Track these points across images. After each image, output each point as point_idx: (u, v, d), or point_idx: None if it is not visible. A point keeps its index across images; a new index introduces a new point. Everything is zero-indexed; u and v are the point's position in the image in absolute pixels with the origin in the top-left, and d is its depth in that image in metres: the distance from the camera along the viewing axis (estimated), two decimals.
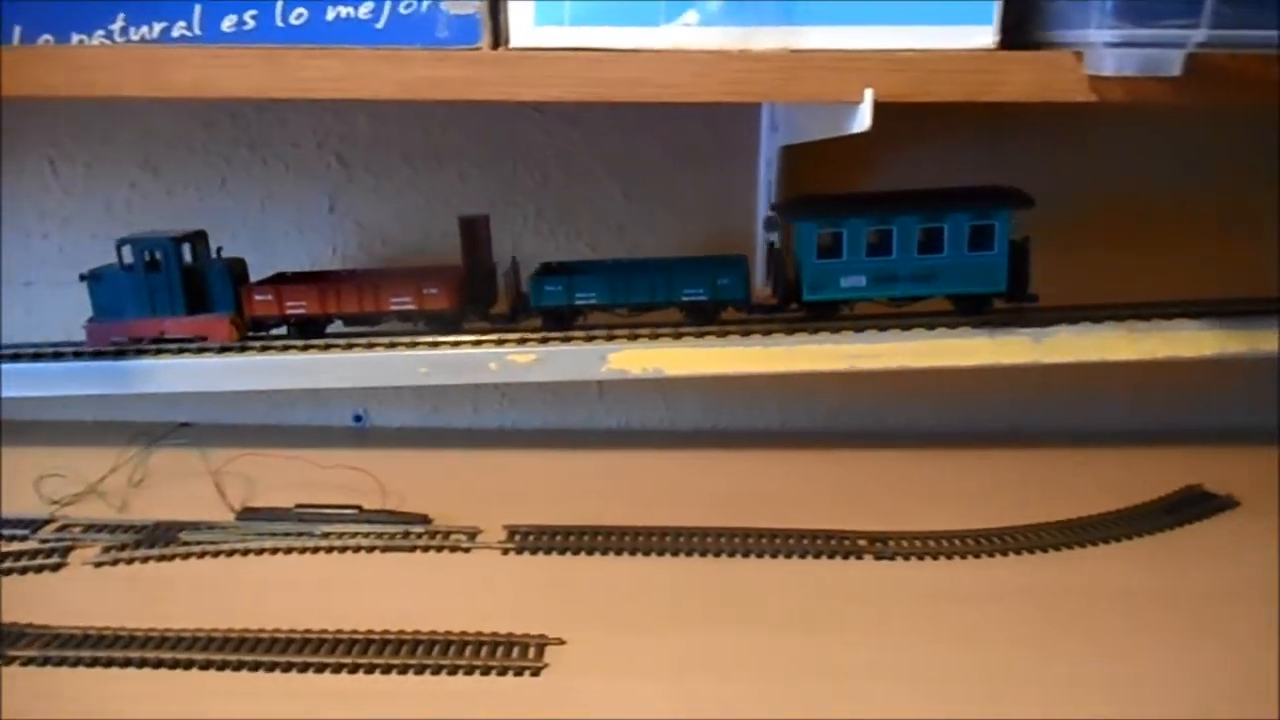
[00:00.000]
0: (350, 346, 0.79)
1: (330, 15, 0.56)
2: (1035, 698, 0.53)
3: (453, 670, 0.57)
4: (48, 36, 0.57)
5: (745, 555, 0.70)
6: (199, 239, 0.82)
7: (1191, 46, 0.48)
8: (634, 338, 0.78)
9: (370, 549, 0.72)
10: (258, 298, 0.80)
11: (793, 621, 0.62)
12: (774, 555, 0.70)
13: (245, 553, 0.71)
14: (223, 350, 0.79)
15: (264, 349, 0.79)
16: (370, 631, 0.60)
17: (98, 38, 0.57)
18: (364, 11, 0.56)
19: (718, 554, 0.70)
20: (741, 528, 0.72)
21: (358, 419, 0.97)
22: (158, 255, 0.79)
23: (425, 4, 0.55)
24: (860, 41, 0.54)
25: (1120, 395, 0.92)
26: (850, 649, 0.58)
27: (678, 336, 0.77)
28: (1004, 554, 0.70)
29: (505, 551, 0.71)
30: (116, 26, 0.56)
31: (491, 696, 0.55)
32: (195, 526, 0.73)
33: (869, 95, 0.53)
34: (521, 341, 0.78)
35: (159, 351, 0.80)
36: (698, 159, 0.88)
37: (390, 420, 0.97)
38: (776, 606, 0.63)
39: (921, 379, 0.79)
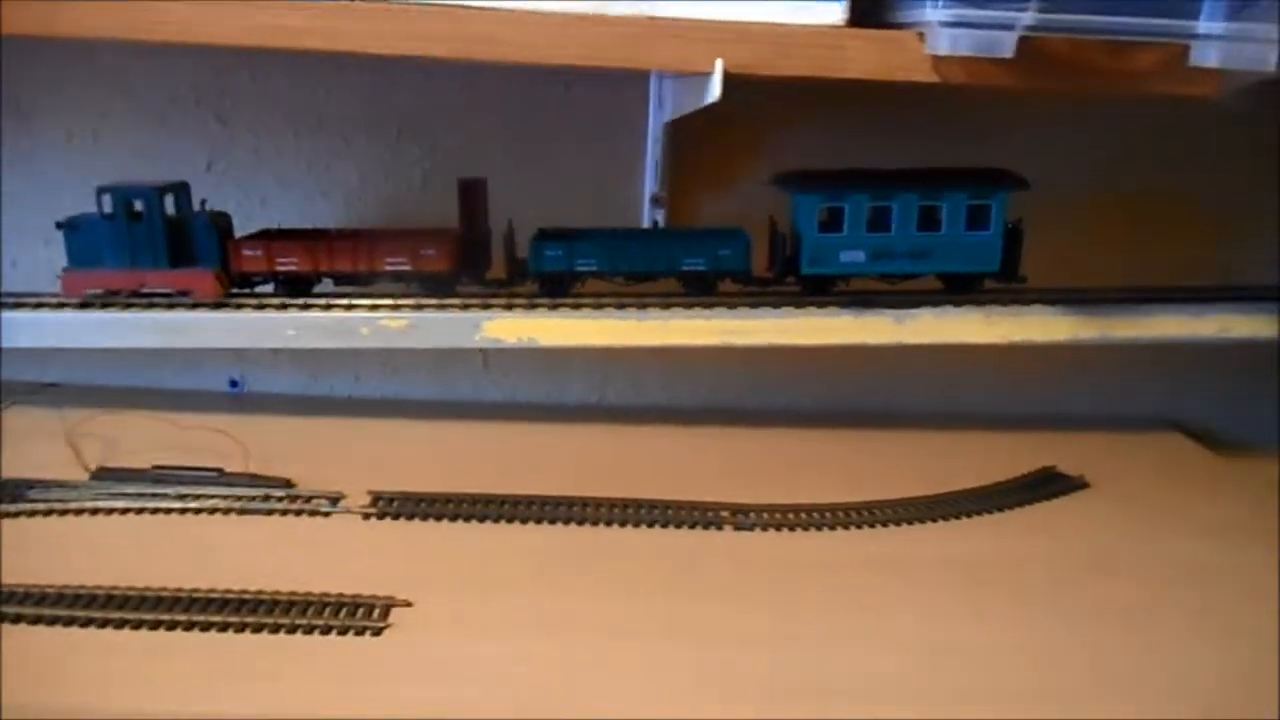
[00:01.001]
0: (219, 306, 0.77)
1: None
2: (862, 660, 0.55)
3: (292, 629, 0.56)
4: None
5: (607, 524, 0.71)
6: (182, 190, 0.78)
7: (1021, 29, 0.49)
8: (510, 307, 0.77)
9: (227, 511, 0.70)
10: (246, 253, 0.77)
11: (639, 587, 0.62)
12: (635, 525, 0.71)
13: (95, 512, 0.69)
14: (83, 305, 0.77)
15: (126, 307, 0.77)
16: (212, 590, 0.59)
17: None
18: None
19: (580, 522, 0.71)
20: (605, 498, 0.73)
21: (234, 384, 0.95)
22: (139, 205, 0.76)
23: None
24: (715, 13, 0.54)
25: (992, 379, 0.95)
26: (688, 612, 0.59)
27: (553, 307, 0.77)
28: (857, 526, 0.71)
29: (366, 516, 0.71)
30: None
31: (331, 655, 0.54)
32: (45, 485, 0.71)
33: (719, 65, 0.54)
34: (395, 307, 0.77)
35: (17, 305, 0.77)
36: (587, 134, 0.88)
37: (270, 387, 0.95)
38: (626, 572, 0.64)
39: (801, 358, 0.81)
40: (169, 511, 0.70)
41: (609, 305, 0.77)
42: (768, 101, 0.83)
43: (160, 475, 0.73)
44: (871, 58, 0.54)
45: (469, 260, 0.79)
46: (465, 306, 0.77)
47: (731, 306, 0.77)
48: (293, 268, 0.78)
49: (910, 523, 0.73)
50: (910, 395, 0.95)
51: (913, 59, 0.53)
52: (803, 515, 0.72)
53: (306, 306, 0.77)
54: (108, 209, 0.76)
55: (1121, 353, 0.85)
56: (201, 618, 0.56)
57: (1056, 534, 0.71)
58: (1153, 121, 0.84)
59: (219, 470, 0.74)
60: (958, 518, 0.74)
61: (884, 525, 0.72)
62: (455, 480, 0.75)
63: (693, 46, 0.54)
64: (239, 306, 0.78)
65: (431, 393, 0.95)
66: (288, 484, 0.74)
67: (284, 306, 0.77)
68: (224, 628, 0.56)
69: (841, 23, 0.55)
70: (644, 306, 0.77)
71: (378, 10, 0.55)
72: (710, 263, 0.78)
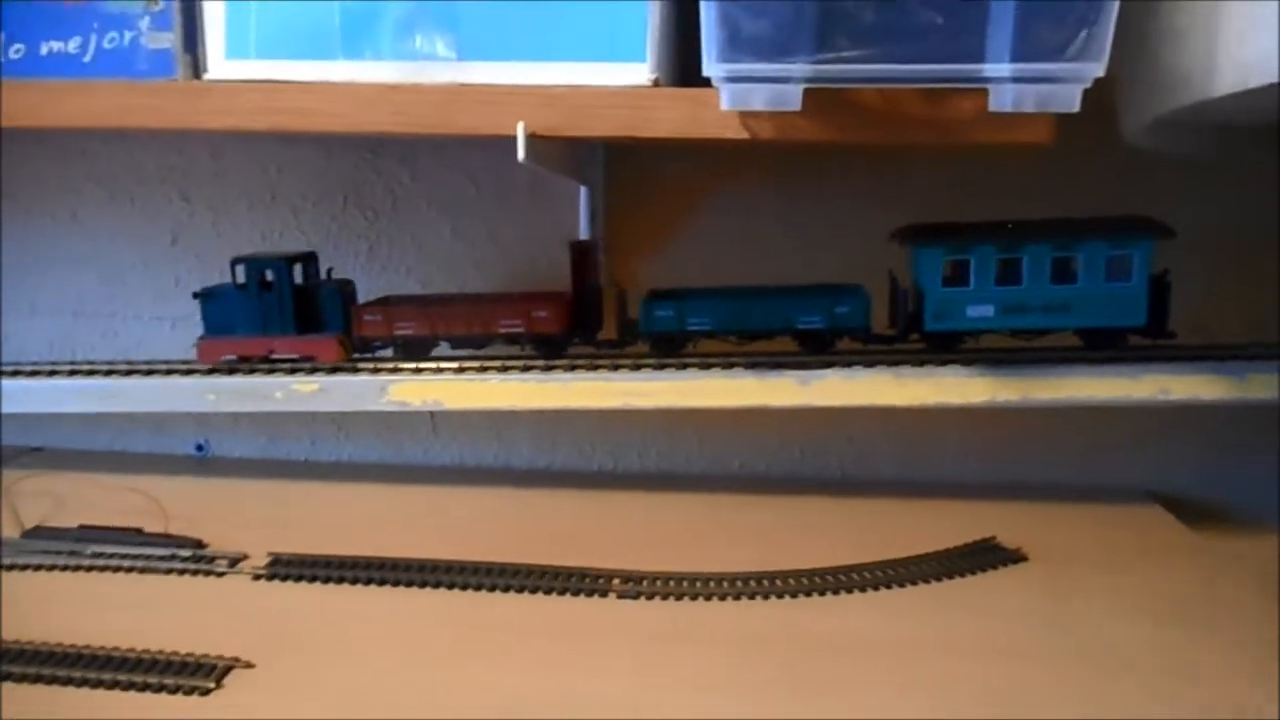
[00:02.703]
0: (150, 373, 0.81)
1: (44, 50, 0.59)
2: None
3: (126, 686, 0.57)
4: None
5: (491, 590, 0.70)
6: (309, 260, 0.83)
7: (800, 81, 0.47)
8: (418, 371, 0.78)
9: (130, 570, 0.73)
10: (367, 318, 0.81)
11: (490, 654, 0.61)
12: (519, 591, 0.69)
13: (16, 567, 0.73)
14: (14, 373, 0.82)
15: (71, 373, 0.82)
16: (60, 644, 0.60)
17: None
18: (73, 46, 0.59)
19: (463, 587, 0.70)
20: (497, 563, 0.72)
21: (200, 448, 0.99)
22: (270, 275, 0.80)
23: (128, 37, 0.58)
24: (525, 77, 0.54)
25: (968, 446, 0.90)
26: (522, 682, 0.57)
27: (459, 370, 0.78)
28: (755, 597, 0.68)
29: (257, 578, 0.72)
30: None
31: (153, 714, 0.55)
32: None
33: (521, 128, 0.54)
34: (310, 372, 0.79)
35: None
36: (521, 196, 0.90)
37: (232, 450, 0.99)
38: (484, 639, 0.63)
39: (754, 421, 0.79)
40: (81, 569, 0.73)
41: (514, 369, 0.77)
42: (696, 165, 0.83)
43: (83, 535, 0.77)
44: (679, 116, 0.53)
45: (581, 321, 0.81)
46: (375, 371, 0.78)
47: (634, 369, 0.76)
48: (410, 332, 0.80)
49: (810, 594, 0.69)
50: (877, 461, 0.91)
51: (720, 116, 0.51)
52: (693, 584, 0.69)
53: (231, 373, 0.80)
54: (241, 279, 0.80)
55: (1109, 419, 0.80)
56: (35, 670, 0.58)
57: (958, 609, 0.66)
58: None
59: (138, 530, 0.77)
60: (864, 590, 0.69)
61: (778, 597, 0.68)
62: (368, 543, 0.75)
63: (499, 111, 0.54)
64: (167, 374, 0.81)
65: (383, 456, 0.97)
66: (199, 544, 0.76)
67: (207, 373, 0.80)
68: (56, 681, 0.57)
69: (648, 83, 0.54)
70: (547, 370, 0.77)
71: (196, 89, 0.57)
72: (827, 320, 0.76)
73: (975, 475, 0.89)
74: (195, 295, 0.81)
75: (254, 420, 0.96)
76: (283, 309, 0.79)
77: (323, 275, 0.82)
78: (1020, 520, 0.80)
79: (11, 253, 0.95)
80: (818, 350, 0.76)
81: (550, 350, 0.79)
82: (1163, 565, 0.73)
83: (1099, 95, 0.50)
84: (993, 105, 0.48)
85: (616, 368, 0.76)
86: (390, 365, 0.79)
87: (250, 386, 0.79)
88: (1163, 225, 0.70)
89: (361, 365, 0.79)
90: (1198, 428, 0.86)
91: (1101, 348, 0.74)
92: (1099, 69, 0.47)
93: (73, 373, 0.82)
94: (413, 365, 0.79)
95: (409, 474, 0.94)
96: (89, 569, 0.73)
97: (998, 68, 0.47)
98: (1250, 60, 0.50)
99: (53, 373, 0.82)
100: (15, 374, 0.83)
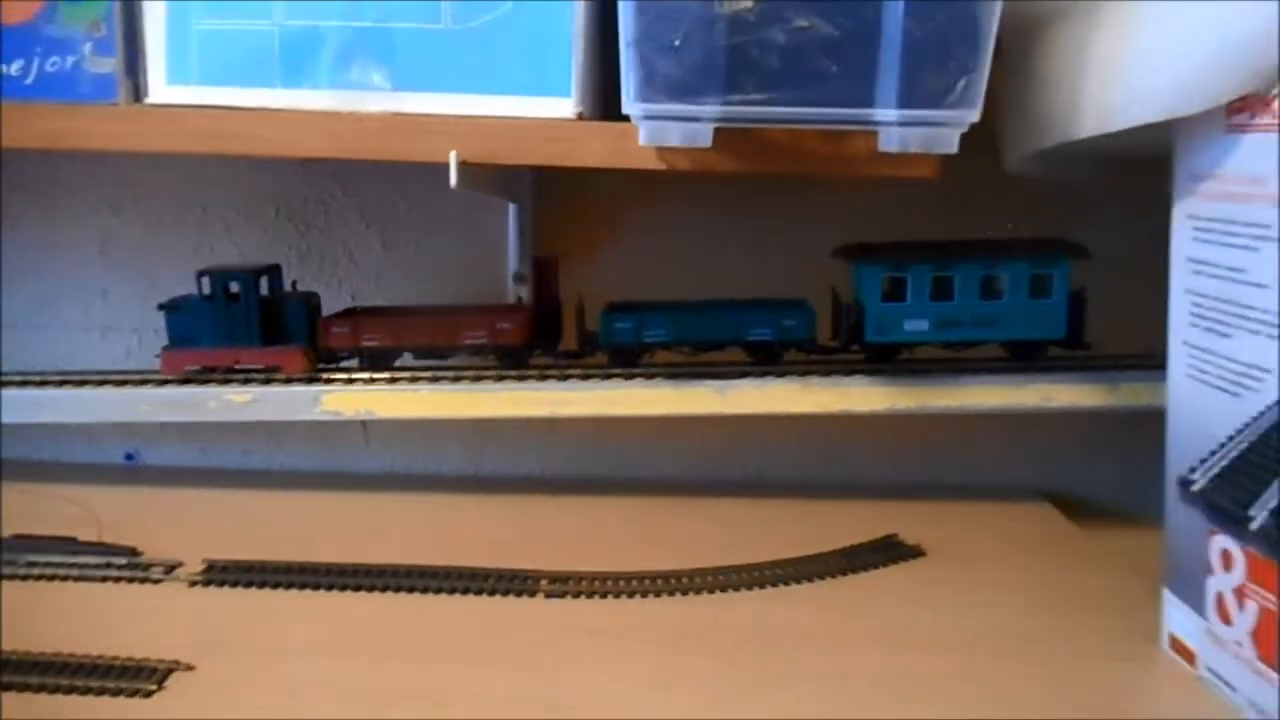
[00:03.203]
0: (82, 384, 0.82)
1: None
2: None
3: (68, 690, 0.59)
4: None
5: (423, 592, 0.73)
6: (274, 272, 0.84)
7: (711, 121, 0.52)
8: (350, 381, 0.81)
9: (65, 578, 0.74)
10: (335, 330, 0.82)
11: (423, 653, 0.64)
12: (450, 593, 0.73)
13: None
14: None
15: (223, 383, 0.82)
16: (14, 653, 0.62)
17: None
18: (15, 69, 0.60)
19: (397, 590, 0.73)
20: (427, 566, 0.75)
21: (129, 457, 0.99)
22: (235, 287, 0.81)
23: (69, 61, 0.60)
24: (458, 108, 0.58)
25: (876, 449, 0.96)
26: (456, 676, 0.61)
27: (391, 381, 0.81)
28: (674, 594, 0.72)
29: (193, 584, 0.74)
30: None
31: (97, 715, 0.57)
32: None
33: (453, 157, 0.57)
34: (243, 383, 0.81)
35: None
36: (451, 211, 0.93)
37: (162, 459, 1.00)
38: (417, 639, 0.66)
39: (673, 428, 0.83)
40: (16, 578, 0.74)
41: (445, 380, 0.81)
42: (623, 185, 0.87)
43: (15, 545, 0.77)
44: (603, 148, 0.57)
45: (542, 333, 0.83)
46: (308, 381, 0.81)
47: (561, 379, 0.80)
48: (376, 343, 0.82)
49: (724, 590, 0.73)
50: (786, 464, 0.96)
51: (640, 149, 0.56)
52: (616, 584, 0.73)
53: (164, 383, 0.82)
54: (206, 290, 0.81)
55: (1006, 425, 0.86)
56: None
57: (856, 600, 0.72)
58: None
59: (73, 539, 0.78)
60: (772, 585, 0.74)
61: (694, 593, 0.73)
62: (300, 549, 0.78)
63: (434, 140, 0.58)
64: (100, 384, 0.82)
65: (315, 464, 0.99)
66: (133, 552, 0.77)
67: (141, 384, 0.82)
68: (17, 688, 0.59)
69: (573, 117, 0.58)
70: (476, 380, 0.80)
71: (138, 113, 0.60)
72: (776, 332, 0.80)
73: (880, 478, 0.95)
74: (160, 307, 0.82)
75: (184, 430, 0.98)
76: (249, 321, 0.80)
77: (287, 288, 0.84)
78: (920, 519, 0.85)
79: None
80: (767, 361, 0.81)
81: (512, 361, 0.82)
82: (1049, 559, 0.80)
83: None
84: (882, 146, 0.53)
85: (543, 379, 0.80)
86: (324, 376, 0.81)
87: (184, 397, 0.81)
88: (1079, 246, 0.77)
89: (294, 377, 0.82)
90: (1086, 433, 0.93)
91: (1025, 358, 0.80)
92: (975, 115, 0.53)
93: (3, 384, 0.83)
94: (345, 376, 0.81)
95: (341, 481, 0.96)
96: (24, 578, 0.74)
97: (886, 113, 0.52)
98: (1112, 105, 0.56)
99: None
100: None
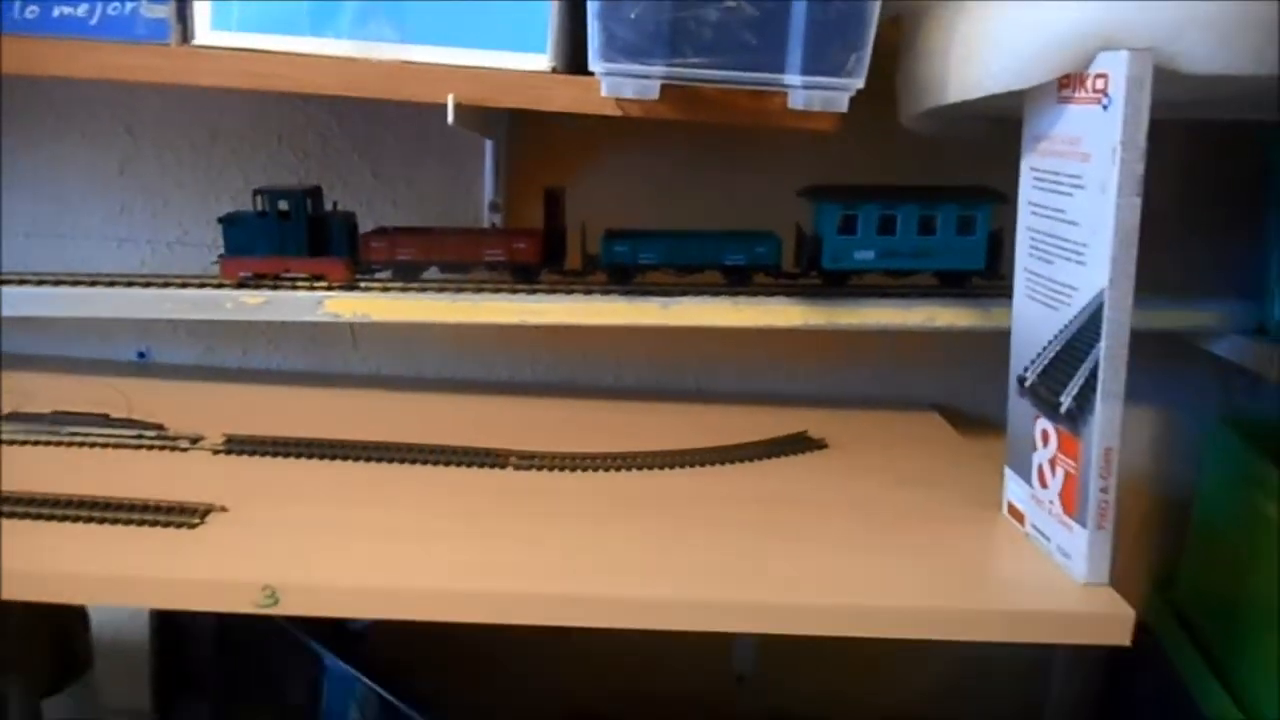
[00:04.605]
0: (113, 284, 0.95)
1: (56, 13, 0.73)
2: (626, 572, 0.70)
3: (128, 523, 0.73)
4: None
5: (411, 463, 0.87)
6: (317, 193, 0.94)
7: (657, 79, 0.66)
8: (350, 288, 0.94)
9: (105, 445, 0.87)
10: (374, 244, 0.93)
11: (414, 504, 0.79)
12: (434, 464, 0.87)
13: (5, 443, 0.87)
14: (9, 282, 0.94)
15: (39, 283, 0.95)
16: (70, 495, 0.75)
17: None
18: (81, 11, 0.72)
19: (390, 460, 0.87)
20: (414, 444, 0.90)
21: (141, 355, 1.12)
22: (284, 205, 0.91)
23: (128, 7, 0.72)
24: (453, 59, 0.72)
25: (780, 365, 1.12)
26: (456, 520, 0.76)
27: (384, 290, 0.95)
28: (618, 470, 0.88)
29: (216, 453, 0.88)
30: None
31: (154, 541, 0.71)
32: None
33: (451, 98, 0.71)
34: (256, 287, 0.94)
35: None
36: (433, 144, 1.06)
37: (170, 358, 1.13)
38: (409, 495, 0.81)
39: (627, 341, 0.97)
40: (60, 444, 0.87)
41: (431, 289, 0.94)
42: (581, 130, 1.00)
43: (58, 418, 0.90)
44: (570, 96, 0.71)
45: (551, 253, 0.95)
46: (311, 288, 0.94)
47: (549, 292, 0.94)
48: (409, 257, 0.94)
49: (662, 468, 0.89)
50: (721, 377, 1.12)
51: (597, 98, 0.70)
52: (575, 460, 0.88)
53: (184, 286, 0.95)
54: (261, 207, 0.92)
55: (907, 346, 1.03)
56: (63, 512, 0.73)
57: (769, 476, 0.88)
58: None
59: (105, 415, 0.91)
60: (703, 465, 0.90)
61: (640, 469, 0.88)
62: (304, 429, 0.91)
63: (433, 84, 0.71)
64: (131, 285, 0.95)
65: (308, 365, 1.13)
66: (160, 428, 0.90)
67: (165, 285, 0.95)
68: (79, 520, 0.73)
69: (548, 70, 0.72)
70: (459, 290, 0.94)
71: (186, 53, 0.72)
72: (748, 258, 0.93)
73: (799, 390, 1.12)
74: (219, 220, 0.93)
75: (191, 331, 1.10)
76: (297, 234, 0.92)
77: (328, 208, 0.96)
78: (829, 421, 1.01)
79: None
80: (740, 282, 0.95)
81: (525, 276, 0.95)
82: (926, 452, 0.97)
83: None
84: (790, 104, 0.68)
85: (515, 291, 0.94)
86: (325, 284, 0.95)
87: (204, 298, 0.94)
88: (1000, 193, 0.89)
89: (298, 284, 0.95)
90: (975, 353, 1.09)
91: (953, 285, 0.95)
92: (860, 83, 0.68)
93: (40, 282, 0.95)
94: (346, 283, 0.95)
95: (332, 380, 1.10)
96: (67, 444, 0.87)
97: (793, 78, 0.67)
98: (968, 79, 0.71)
99: (22, 281, 0.95)
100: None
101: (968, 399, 1.13)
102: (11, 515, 0.73)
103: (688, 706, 1.18)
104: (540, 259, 0.95)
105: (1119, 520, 0.97)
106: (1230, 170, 1.02)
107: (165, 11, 0.73)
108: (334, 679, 0.97)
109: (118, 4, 0.72)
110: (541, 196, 0.96)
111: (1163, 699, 1.02)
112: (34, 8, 0.73)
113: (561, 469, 0.87)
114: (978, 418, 1.11)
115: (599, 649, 1.12)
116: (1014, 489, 0.80)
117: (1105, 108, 0.64)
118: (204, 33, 0.73)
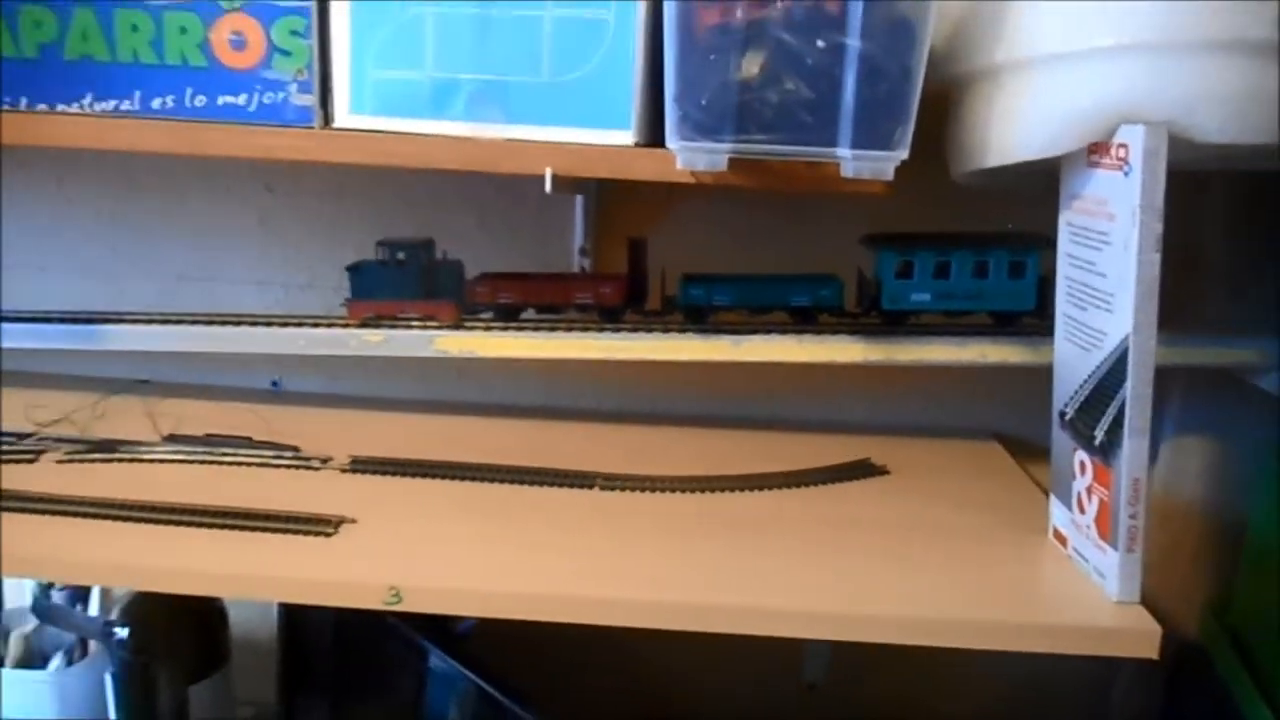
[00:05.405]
0: (255, 323, 1.09)
1: (220, 101, 0.87)
2: (706, 582, 0.79)
3: (272, 530, 0.86)
4: (42, 105, 0.89)
5: (509, 482, 0.98)
6: (430, 244, 1.08)
7: (725, 153, 0.77)
8: (458, 326, 1.07)
9: (248, 464, 1.01)
10: (478, 289, 1.06)
11: (514, 518, 0.90)
12: (530, 484, 0.98)
13: (162, 461, 1.01)
14: (164, 321, 1.10)
15: (193, 322, 1.10)
16: (223, 507, 0.89)
17: (75, 107, 0.89)
18: (240, 99, 0.86)
19: (491, 480, 0.99)
20: (512, 465, 1.01)
21: (274, 384, 1.27)
22: (402, 255, 1.06)
23: (281, 96, 0.86)
24: (551, 136, 0.83)
25: (844, 396, 1.21)
26: (550, 532, 0.87)
27: (486, 329, 1.07)
28: (699, 491, 0.98)
29: (343, 471, 1.01)
30: (86, 101, 0.88)
31: (294, 546, 0.84)
32: (131, 443, 1.04)
33: (548, 171, 0.83)
34: (376, 327, 1.07)
35: (120, 320, 1.10)
36: (532, 203, 1.18)
37: (299, 387, 1.27)
38: (509, 510, 0.92)
39: (705, 375, 1.08)
40: (211, 463, 1.01)
41: (528, 329, 1.06)
42: (661, 188, 1.10)
43: (208, 439, 1.05)
44: (651, 167, 0.82)
45: (633, 296, 1.06)
46: (424, 328, 1.07)
47: (632, 331, 1.04)
48: (509, 299, 1.06)
49: (736, 490, 0.98)
50: (789, 407, 1.21)
51: (677, 169, 0.80)
52: (656, 482, 0.98)
53: (315, 325, 1.09)
54: (382, 256, 1.06)
55: (969, 380, 1.11)
56: (214, 520, 0.86)
57: (834, 499, 0.97)
58: None
59: (249, 438, 1.05)
60: (773, 488, 0.99)
61: (715, 491, 0.98)
62: (418, 451, 1.03)
63: (534, 159, 0.82)
64: (269, 324, 1.09)
65: (419, 395, 1.25)
66: (295, 449, 1.04)
67: (299, 324, 1.08)
68: (227, 527, 0.86)
69: (631, 144, 0.84)
70: (552, 329, 1.05)
71: (328, 135, 0.86)
72: (813, 300, 1.01)
73: (863, 418, 1.20)
74: (346, 268, 1.07)
75: (318, 364, 1.24)
76: (413, 280, 1.05)
77: (439, 256, 1.08)
78: (892, 449, 1.09)
79: (133, 229, 1.22)
80: (805, 322, 1.04)
81: (611, 316, 1.06)
82: (983, 479, 1.04)
83: None
84: (843, 173, 0.78)
85: (601, 330, 1.05)
86: (435, 324, 1.07)
87: (332, 336, 1.07)
88: (1049, 239, 0.94)
89: (412, 324, 1.07)
90: (1036, 387, 1.15)
91: (1005, 324, 1.02)
92: (904, 154, 0.77)
93: (194, 322, 1.10)
94: (454, 323, 1.07)
95: (440, 408, 1.23)
96: (217, 463, 1.01)
97: (844, 151, 0.76)
98: (1006, 145, 0.80)
99: (178, 321, 1.10)
100: (134, 321, 1.11)
101: (1029, 429, 1.19)
102: (174, 523, 0.86)
103: (763, 711, 1.26)
104: (624, 301, 1.06)
105: (1171, 546, 1.04)
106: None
107: (311, 99, 0.86)
108: (438, 674, 1.09)
109: (271, 93, 0.86)
110: (626, 245, 1.07)
111: None
112: (201, 97, 0.87)
113: (643, 490, 0.98)
114: (1039, 448, 1.17)
115: (677, 660, 1.22)
116: (1058, 514, 0.87)
117: (1126, 174, 0.72)
118: (343, 116, 0.87)
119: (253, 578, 0.80)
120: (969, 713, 1.26)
